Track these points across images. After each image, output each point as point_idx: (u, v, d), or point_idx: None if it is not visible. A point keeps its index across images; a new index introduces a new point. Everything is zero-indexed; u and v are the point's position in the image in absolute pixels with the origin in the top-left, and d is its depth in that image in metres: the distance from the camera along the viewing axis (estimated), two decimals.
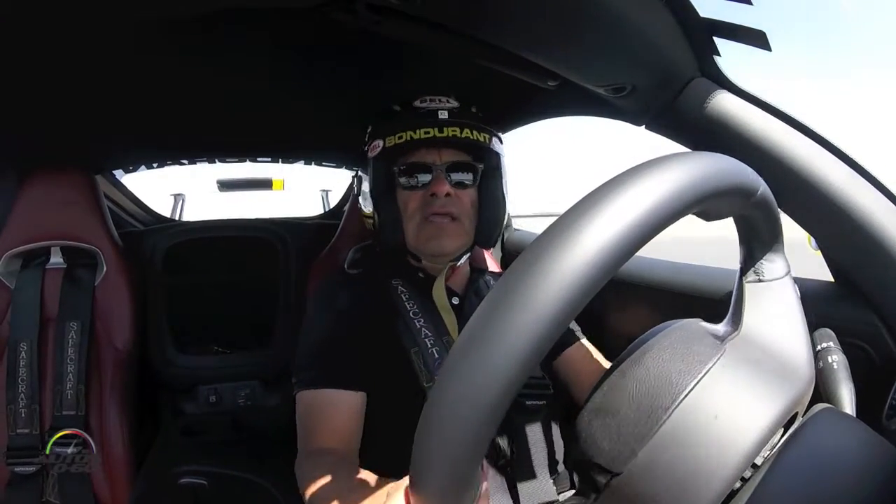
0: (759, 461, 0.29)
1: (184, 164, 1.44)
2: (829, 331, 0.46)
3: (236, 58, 0.84)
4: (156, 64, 0.81)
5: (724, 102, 0.59)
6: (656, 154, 0.28)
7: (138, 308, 1.08)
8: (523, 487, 0.71)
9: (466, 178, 0.77)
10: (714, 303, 0.76)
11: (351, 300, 0.77)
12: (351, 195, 1.17)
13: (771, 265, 0.34)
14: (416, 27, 0.57)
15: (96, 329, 1.01)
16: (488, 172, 0.79)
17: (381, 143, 0.76)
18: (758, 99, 0.60)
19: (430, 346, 0.73)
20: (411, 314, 0.75)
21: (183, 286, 1.25)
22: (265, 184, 2.13)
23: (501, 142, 0.80)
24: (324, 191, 2.34)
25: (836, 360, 0.43)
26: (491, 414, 0.22)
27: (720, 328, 0.33)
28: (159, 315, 1.22)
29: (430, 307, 0.76)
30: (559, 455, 0.77)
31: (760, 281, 0.34)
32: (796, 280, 0.36)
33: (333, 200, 2.08)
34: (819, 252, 0.62)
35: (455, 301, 0.79)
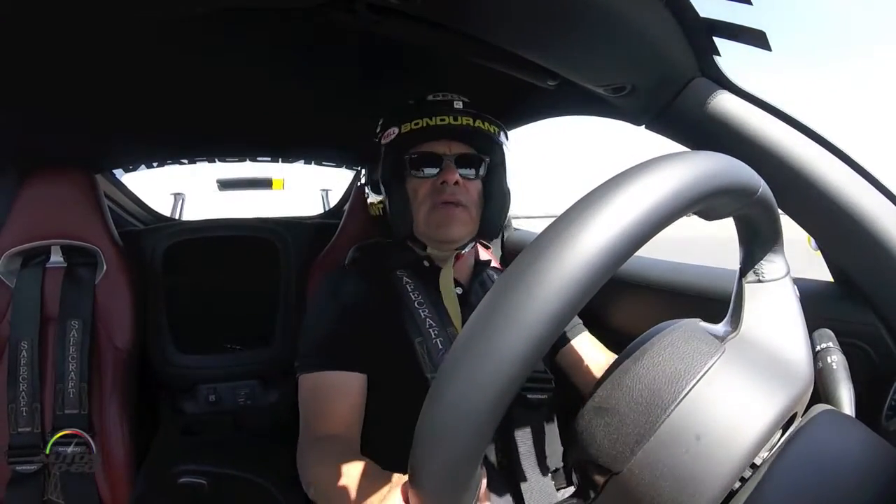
0: (757, 461, 0.29)
1: (184, 163, 1.44)
2: (828, 331, 0.46)
3: (236, 57, 0.84)
4: (156, 63, 0.81)
5: (724, 102, 0.59)
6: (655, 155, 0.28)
7: (138, 307, 1.08)
8: (524, 484, 0.71)
9: (476, 167, 0.79)
10: (714, 303, 0.75)
11: (354, 291, 0.78)
12: (353, 192, 1.17)
13: (771, 265, 0.34)
14: (416, 27, 0.57)
15: (96, 328, 1.01)
16: (494, 166, 0.80)
17: (396, 129, 0.77)
18: (758, 99, 0.59)
19: (434, 336, 0.73)
20: (416, 304, 0.76)
21: (183, 285, 1.25)
22: (265, 183, 2.13)
23: (507, 137, 0.82)
24: (324, 190, 2.34)
25: (836, 360, 0.42)
26: (492, 411, 0.22)
27: (720, 328, 0.33)
28: (159, 314, 1.22)
29: (434, 297, 0.77)
30: (560, 451, 0.77)
31: (760, 281, 0.34)
32: (796, 280, 0.36)
33: (333, 200, 2.08)
34: (819, 252, 0.62)
35: (459, 291, 0.80)
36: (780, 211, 0.34)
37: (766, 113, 0.59)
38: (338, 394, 0.70)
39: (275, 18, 0.72)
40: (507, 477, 0.71)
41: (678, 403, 0.27)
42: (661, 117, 0.66)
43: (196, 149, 1.39)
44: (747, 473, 0.28)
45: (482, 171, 0.79)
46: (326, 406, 0.70)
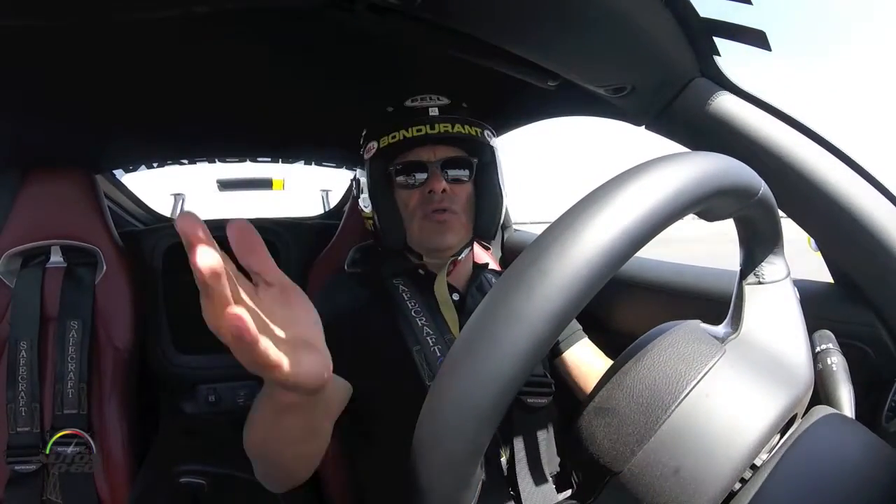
0: (757, 462, 0.29)
1: (184, 163, 1.44)
2: (828, 332, 0.46)
3: (236, 57, 0.84)
4: (156, 63, 0.81)
5: (724, 103, 0.59)
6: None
7: (138, 307, 1.08)
8: (523, 486, 0.71)
9: (462, 173, 0.77)
10: (713, 304, 0.75)
11: (351, 301, 0.78)
12: (351, 196, 1.17)
13: (771, 267, 0.35)
14: (416, 28, 0.57)
15: (96, 328, 1.01)
16: (483, 166, 0.79)
17: (375, 144, 0.77)
18: (758, 99, 0.59)
19: (432, 344, 0.73)
20: (413, 312, 0.75)
21: (183, 285, 1.24)
22: (265, 183, 2.13)
23: (494, 135, 0.80)
24: (324, 191, 2.34)
25: (836, 361, 0.42)
26: (494, 407, 0.22)
27: (720, 329, 0.33)
28: (159, 314, 1.22)
29: (431, 305, 0.77)
30: (559, 454, 0.77)
31: (760, 283, 0.34)
32: (796, 281, 0.36)
33: (333, 200, 2.08)
34: (819, 252, 0.62)
35: (456, 297, 0.80)
36: (780, 213, 0.34)
37: (766, 113, 0.59)
38: None
39: (275, 18, 0.72)
40: (507, 481, 0.71)
41: (679, 403, 0.27)
42: (661, 117, 0.66)
43: (196, 149, 1.39)
44: (748, 475, 0.28)
45: (471, 174, 0.78)
46: None
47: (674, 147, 0.67)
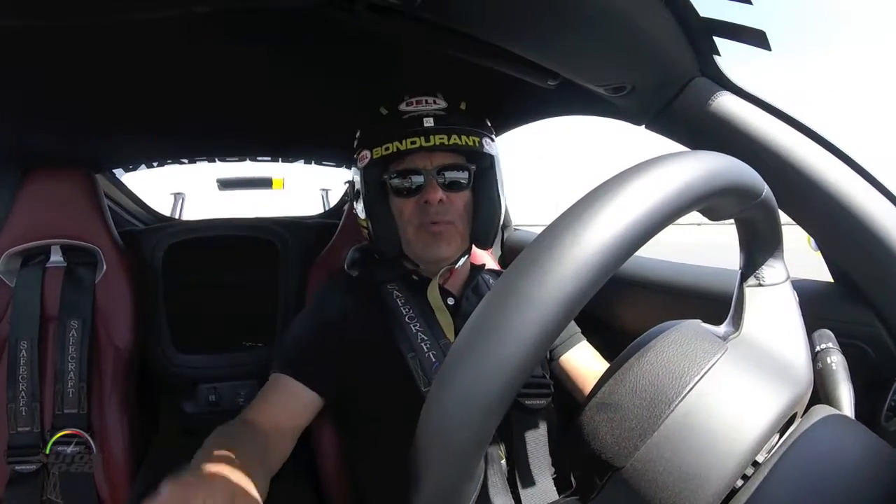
0: (759, 459, 0.29)
1: (184, 163, 1.44)
2: (828, 331, 0.46)
3: (236, 57, 0.84)
4: (156, 63, 0.81)
5: (724, 102, 0.59)
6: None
7: (138, 307, 1.08)
8: (522, 488, 0.71)
9: (460, 178, 0.76)
10: (714, 304, 0.75)
11: (346, 308, 0.78)
12: (348, 202, 1.17)
13: (771, 270, 0.35)
14: (416, 27, 0.57)
15: (96, 328, 1.01)
16: (481, 173, 0.77)
17: (368, 153, 0.75)
18: (758, 99, 0.59)
19: (426, 349, 0.72)
20: (406, 318, 0.75)
21: (183, 285, 1.25)
22: (265, 183, 2.13)
23: (493, 140, 0.78)
24: (324, 190, 2.34)
25: (836, 360, 0.42)
26: (501, 396, 0.22)
27: (721, 329, 0.34)
28: (159, 314, 1.22)
29: (426, 310, 0.76)
30: (559, 455, 0.77)
31: (761, 285, 0.35)
32: (795, 281, 0.37)
33: (333, 200, 2.08)
34: (819, 252, 0.62)
35: (451, 301, 0.79)
36: (780, 214, 0.34)
37: (765, 113, 0.59)
38: (284, 399, 0.71)
39: (275, 18, 0.72)
40: (507, 483, 0.71)
41: (682, 399, 0.27)
42: (660, 117, 0.66)
43: (196, 149, 1.39)
44: (749, 471, 0.28)
45: (469, 181, 0.77)
46: (266, 403, 0.70)
47: (674, 147, 0.67)
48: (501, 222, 0.83)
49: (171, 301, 1.23)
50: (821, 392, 0.42)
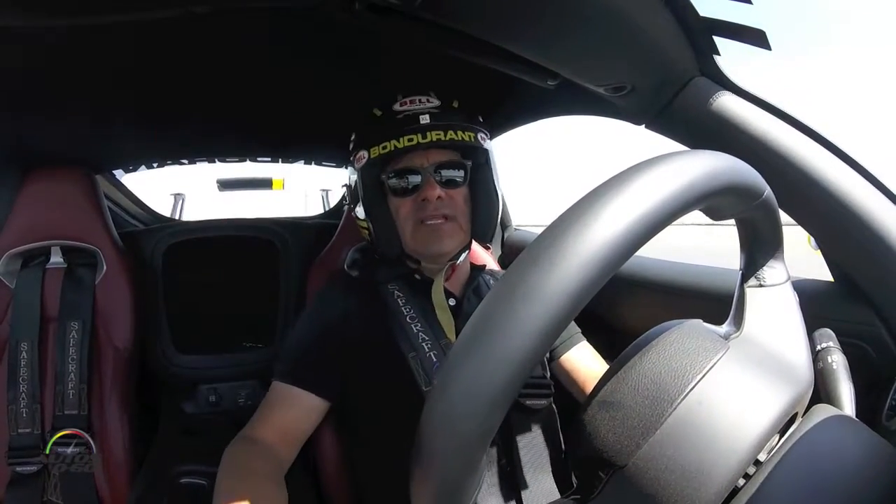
0: (761, 458, 0.29)
1: (184, 163, 1.44)
2: (828, 331, 0.46)
3: (236, 57, 0.84)
4: (155, 63, 0.81)
5: (723, 102, 0.59)
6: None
7: (138, 308, 1.08)
8: (524, 491, 0.71)
9: (457, 174, 0.76)
10: (714, 303, 0.75)
11: (346, 309, 0.78)
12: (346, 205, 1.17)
13: (772, 271, 0.35)
14: (416, 27, 0.57)
15: (96, 329, 1.01)
16: (478, 168, 0.78)
17: (365, 154, 0.75)
18: (758, 98, 0.59)
19: (427, 349, 0.72)
20: (407, 318, 0.75)
21: (183, 285, 1.25)
22: (265, 183, 2.13)
23: (488, 137, 0.79)
24: (324, 190, 2.34)
25: (836, 360, 0.43)
26: (507, 387, 0.22)
27: (722, 329, 0.34)
28: (159, 314, 1.22)
29: (427, 310, 0.76)
30: (559, 458, 0.77)
31: (762, 286, 0.35)
32: (795, 280, 0.37)
33: (333, 200, 2.08)
34: (819, 252, 0.62)
35: (452, 302, 0.79)
36: (780, 214, 0.34)
37: (765, 112, 0.59)
38: (290, 408, 0.72)
39: (274, 18, 0.72)
40: (507, 483, 0.71)
41: (684, 398, 0.27)
42: (660, 117, 0.66)
43: (196, 149, 1.39)
44: (751, 470, 0.28)
45: (466, 177, 0.77)
46: (273, 414, 0.72)
47: (674, 147, 0.67)
48: (500, 219, 0.83)
49: (171, 301, 1.23)
50: (822, 391, 0.42)
